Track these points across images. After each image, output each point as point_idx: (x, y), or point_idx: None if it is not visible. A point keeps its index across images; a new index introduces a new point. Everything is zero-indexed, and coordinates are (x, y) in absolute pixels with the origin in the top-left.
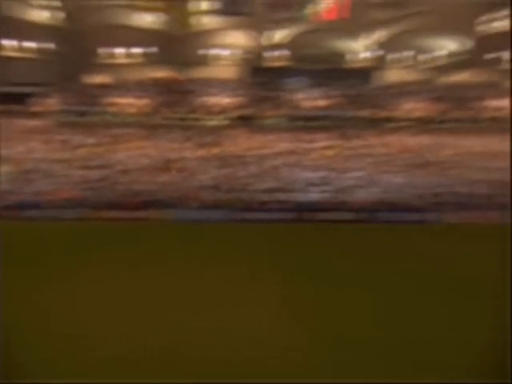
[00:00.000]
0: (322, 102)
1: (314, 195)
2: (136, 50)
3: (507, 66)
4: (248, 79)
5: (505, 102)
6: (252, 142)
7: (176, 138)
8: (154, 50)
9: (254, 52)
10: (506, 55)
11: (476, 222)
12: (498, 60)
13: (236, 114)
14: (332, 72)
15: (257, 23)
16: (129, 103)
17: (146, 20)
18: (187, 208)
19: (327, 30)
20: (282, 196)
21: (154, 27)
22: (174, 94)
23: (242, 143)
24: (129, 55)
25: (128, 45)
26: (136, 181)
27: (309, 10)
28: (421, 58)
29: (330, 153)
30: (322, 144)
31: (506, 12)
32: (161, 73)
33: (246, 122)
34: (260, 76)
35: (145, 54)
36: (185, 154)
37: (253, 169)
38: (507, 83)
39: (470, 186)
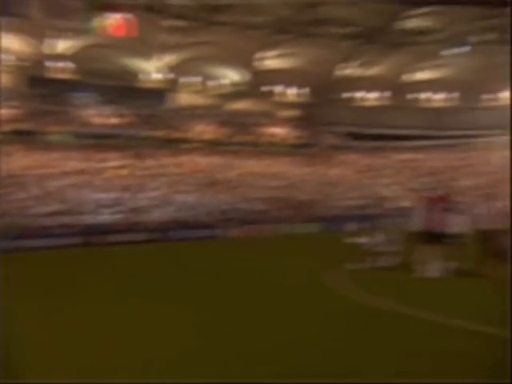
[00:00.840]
0: (114, 120)
1: (104, 217)
2: None
3: (280, 98)
4: (26, 90)
5: (278, 130)
6: (31, 160)
7: None
8: None
9: (32, 60)
10: (277, 89)
11: (256, 235)
12: (272, 93)
13: (10, 128)
14: (124, 90)
15: (34, 29)
16: None
17: None
18: None
19: (117, 46)
20: (67, 219)
21: None
22: None
23: (18, 161)
24: None
25: None
26: None
27: (96, 23)
28: (209, 84)
29: (123, 172)
30: (114, 163)
31: (276, 52)
32: None
33: (22, 137)
34: (40, 87)
35: None
36: None
37: (33, 190)
38: (280, 113)
39: (251, 203)
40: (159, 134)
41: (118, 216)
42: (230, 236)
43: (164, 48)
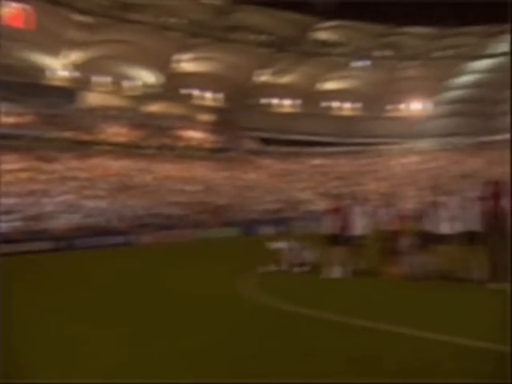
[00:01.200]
0: (12, 120)
1: (1, 225)
2: None
3: (196, 102)
4: None
5: (195, 134)
6: None
7: None
8: None
9: None
10: (194, 92)
11: (171, 240)
12: (188, 96)
13: None
14: (27, 87)
15: None
16: None
17: None
18: None
19: (14, 38)
20: None
21: None
22: None
23: None
24: None
25: None
26: None
27: None
28: (122, 84)
29: (22, 176)
30: (13, 166)
31: (192, 55)
32: None
33: None
34: None
35: None
36: None
37: None
38: (197, 117)
39: (167, 207)
40: (67, 135)
41: (18, 223)
42: (143, 242)
43: (72, 44)
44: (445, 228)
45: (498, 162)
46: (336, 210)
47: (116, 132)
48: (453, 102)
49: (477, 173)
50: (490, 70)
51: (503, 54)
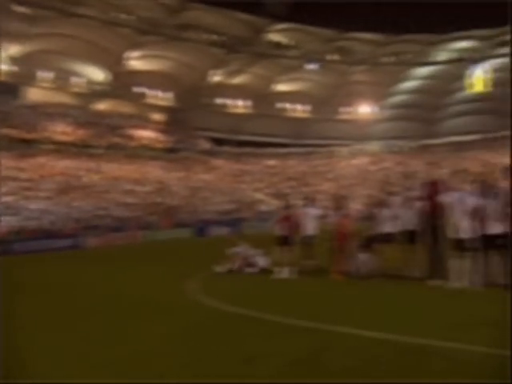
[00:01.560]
0: None
1: None
2: None
3: (147, 101)
4: None
5: (145, 133)
6: None
7: None
8: None
9: None
10: (144, 91)
11: (120, 243)
12: (139, 95)
13: None
14: None
15: None
16: None
17: None
18: None
19: None
20: None
21: None
22: None
23: None
24: None
25: None
26: None
27: None
28: (68, 81)
29: None
30: None
31: (143, 53)
32: None
33: None
34: None
35: None
36: None
37: None
38: (148, 116)
39: (115, 209)
40: (8, 132)
41: None
42: (91, 245)
43: (13, 37)
44: (388, 227)
45: (436, 164)
46: (287, 218)
47: (62, 130)
48: (398, 106)
49: (417, 174)
50: (431, 77)
51: (444, 62)
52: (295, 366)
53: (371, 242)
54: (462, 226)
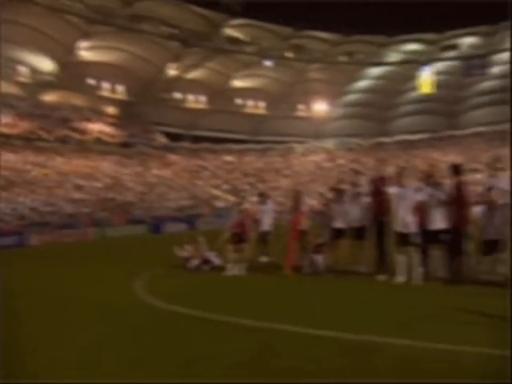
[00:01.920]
0: None
1: None
2: None
3: (99, 93)
4: None
5: (96, 126)
6: None
7: None
8: None
9: None
10: (96, 83)
11: (74, 240)
12: (90, 87)
13: None
14: None
15: None
16: None
17: None
18: None
19: None
20: None
21: None
22: None
23: None
24: None
25: None
26: None
27: None
28: (12, 70)
29: None
30: None
31: (90, 43)
32: None
33: None
34: None
35: None
36: None
37: None
38: (99, 109)
39: (68, 204)
40: None
41: None
42: (38, 243)
43: None
44: (339, 223)
45: (386, 161)
46: (241, 207)
47: (6, 122)
48: (352, 105)
49: (368, 170)
50: (383, 77)
51: (394, 63)
52: (238, 368)
53: (323, 245)
54: (407, 221)
